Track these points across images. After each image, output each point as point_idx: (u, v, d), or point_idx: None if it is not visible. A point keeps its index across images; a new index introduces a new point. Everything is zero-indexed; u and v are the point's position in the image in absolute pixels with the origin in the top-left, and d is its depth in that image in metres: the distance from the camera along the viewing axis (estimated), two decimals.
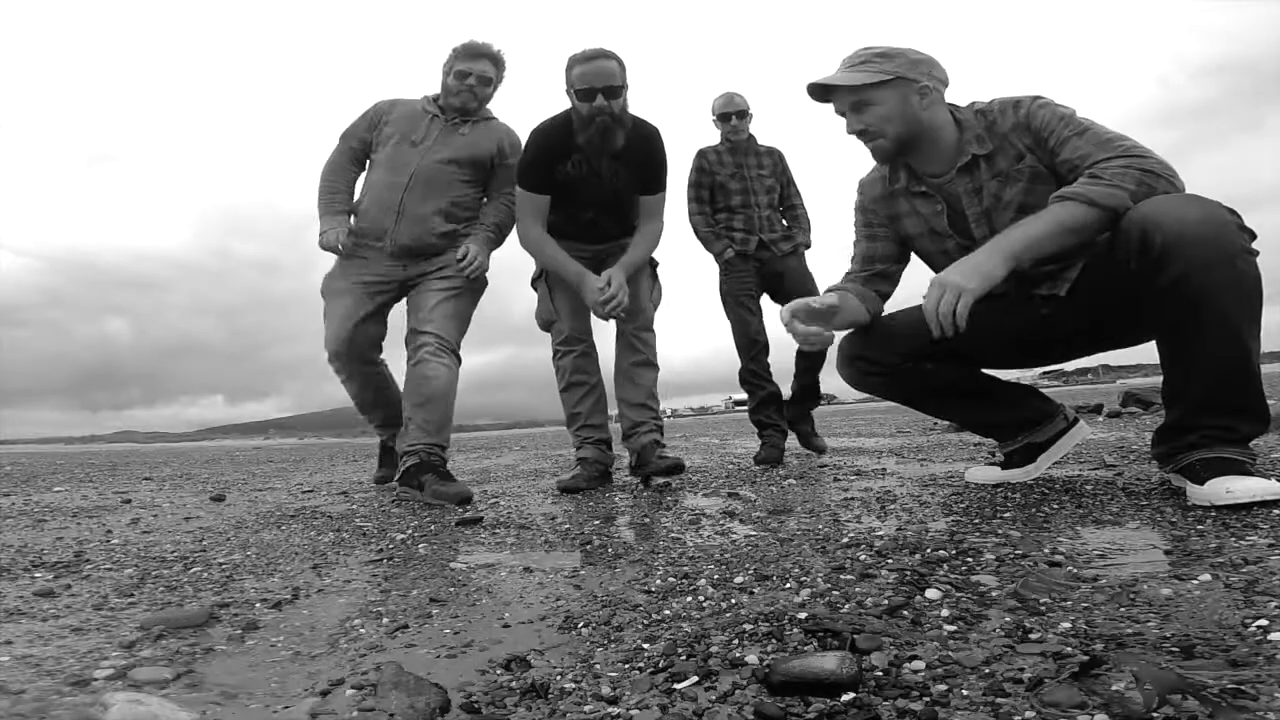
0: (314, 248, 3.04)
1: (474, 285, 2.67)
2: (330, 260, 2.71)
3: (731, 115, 3.26)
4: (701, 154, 3.29)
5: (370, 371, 2.75)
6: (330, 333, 2.66)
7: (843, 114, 1.67)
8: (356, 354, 2.69)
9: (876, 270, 1.85)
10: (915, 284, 1.90)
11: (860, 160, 1.95)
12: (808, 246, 3.31)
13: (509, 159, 2.68)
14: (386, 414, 2.82)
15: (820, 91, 1.65)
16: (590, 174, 2.39)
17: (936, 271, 1.82)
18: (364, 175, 2.73)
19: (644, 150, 2.43)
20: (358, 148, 2.71)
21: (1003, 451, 1.91)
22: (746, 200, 3.16)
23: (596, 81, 2.26)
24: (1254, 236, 1.35)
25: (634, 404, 2.50)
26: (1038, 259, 1.47)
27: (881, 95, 1.60)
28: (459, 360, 2.60)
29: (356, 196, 2.72)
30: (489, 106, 2.76)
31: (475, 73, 2.62)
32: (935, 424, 5.58)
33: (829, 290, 1.83)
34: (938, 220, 1.71)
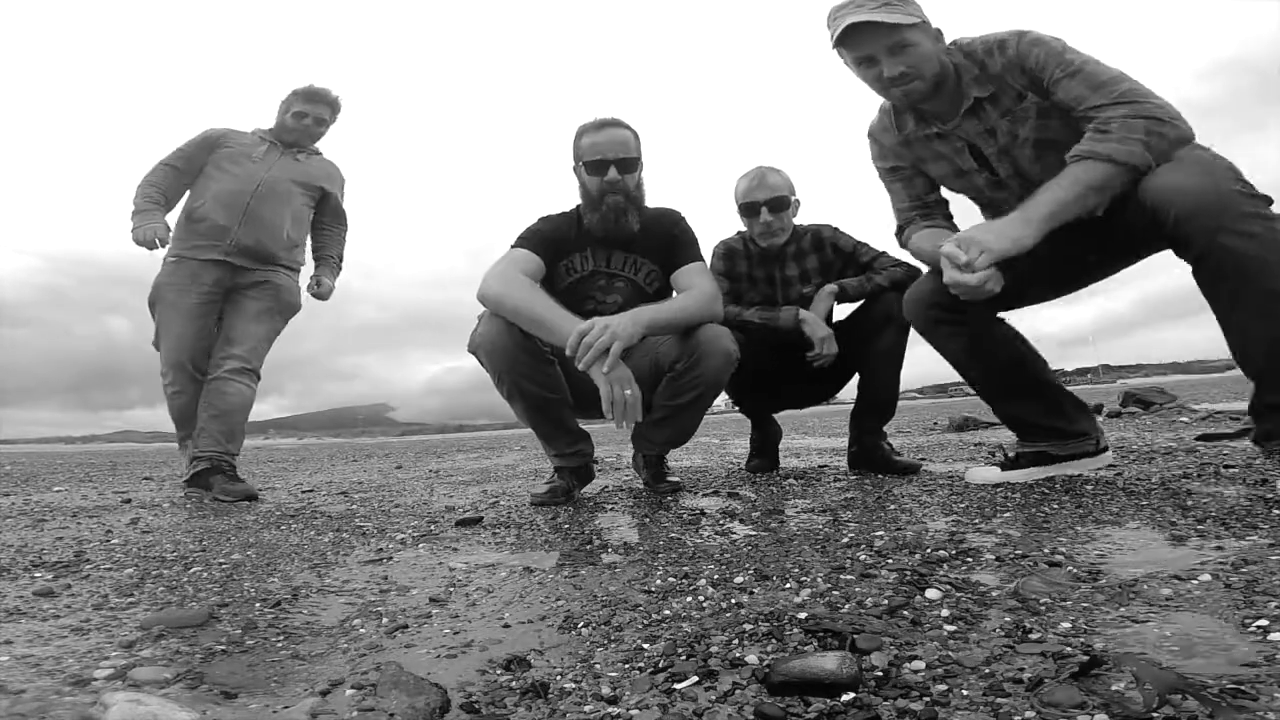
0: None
1: (285, 308, 2.94)
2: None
3: (760, 207, 2.33)
4: (728, 255, 2.46)
5: (200, 383, 2.80)
6: (173, 345, 2.77)
7: (866, 60, 1.61)
8: (196, 364, 2.79)
9: (931, 200, 1.83)
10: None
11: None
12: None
13: (338, 189, 3.06)
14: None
15: (850, 36, 1.57)
16: (597, 273, 2.11)
17: (973, 201, 1.82)
18: (193, 189, 2.85)
19: (662, 228, 2.11)
20: (183, 168, 2.84)
21: (1017, 450, 1.89)
22: (771, 298, 2.47)
23: (609, 152, 2.00)
24: (1269, 201, 1.34)
25: (663, 427, 2.13)
26: (1066, 220, 1.47)
27: (917, 36, 1.58)
28: (258, 379, 2.85)
29: (186, 206, 2.85)
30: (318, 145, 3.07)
31: (313, 115, 2.95)
32: (935, 423, 5.58)
33: (934, 238, 1.76)
34: (963, 159, 1.71)
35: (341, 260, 3.16)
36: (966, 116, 1.64)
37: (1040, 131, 1.58)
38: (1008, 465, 1.88)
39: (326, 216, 3.09)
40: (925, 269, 1.86)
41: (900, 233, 1.90)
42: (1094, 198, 1.44)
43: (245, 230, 2.80)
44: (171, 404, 2.82)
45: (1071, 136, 1.55)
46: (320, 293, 3.05)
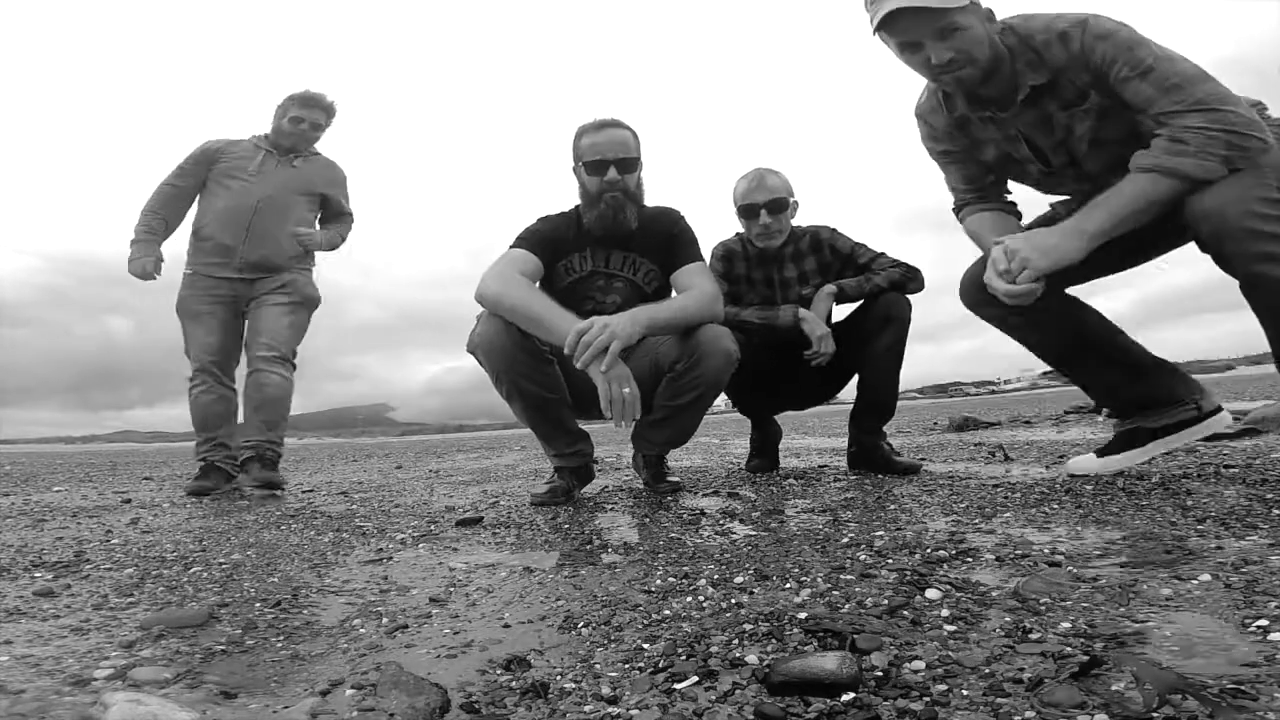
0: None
1: (307, 300, 3.01)
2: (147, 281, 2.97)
3: (759, 209, 2.34)
4: (727, 257, 2.47)
5: (227, 387, 2.97)
6: (198, 351, 2.91)
7: (911, 46, 1.52)
8: (222, 368, 2.93)
9: (988, 183, 1.79)
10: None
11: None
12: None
13: (339, 190, 3.13)
14: (228, 431, 2.99)
15: (892, 20, 1.48)
16: (596, 273, 2.12)
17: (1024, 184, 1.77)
18: (198, 204, 2.99)
19: (661, 227, 2.11)
20: (183, 185, 2.96)
21: (1115, 430, 1.81)
22: (770, 299, 2.47)
23: (609, 152, 2.02)
24: None
25: (658, 428, 2.13)
26: (1122, 234, 1.43)
27: (966, 19, 1.48)
28: (294, 368, 2.95)
29: (194, 223, 2.98)
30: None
31: (309, 120, 3.02)
32: (935, 423, 5.58)
33: (989, 223, 1.74)
34: (1016, 148, 1.66)
35: (344, 239, 3.23)
36: (1024, 107, 1.56)
37: (1098, 131, 1.53)
38: (1103, 451, 1.79)
39: (330, 221, 3.20)
40: (977, 251, 1.82)
41: (957, 211, 1.87)
42: (1157, 212, 1.39)
43: (250, 248, 2.90)
44: (194, 404, 2.90)
45: (1131, 134, 1.48)
46: (306, 239, 3.01)
